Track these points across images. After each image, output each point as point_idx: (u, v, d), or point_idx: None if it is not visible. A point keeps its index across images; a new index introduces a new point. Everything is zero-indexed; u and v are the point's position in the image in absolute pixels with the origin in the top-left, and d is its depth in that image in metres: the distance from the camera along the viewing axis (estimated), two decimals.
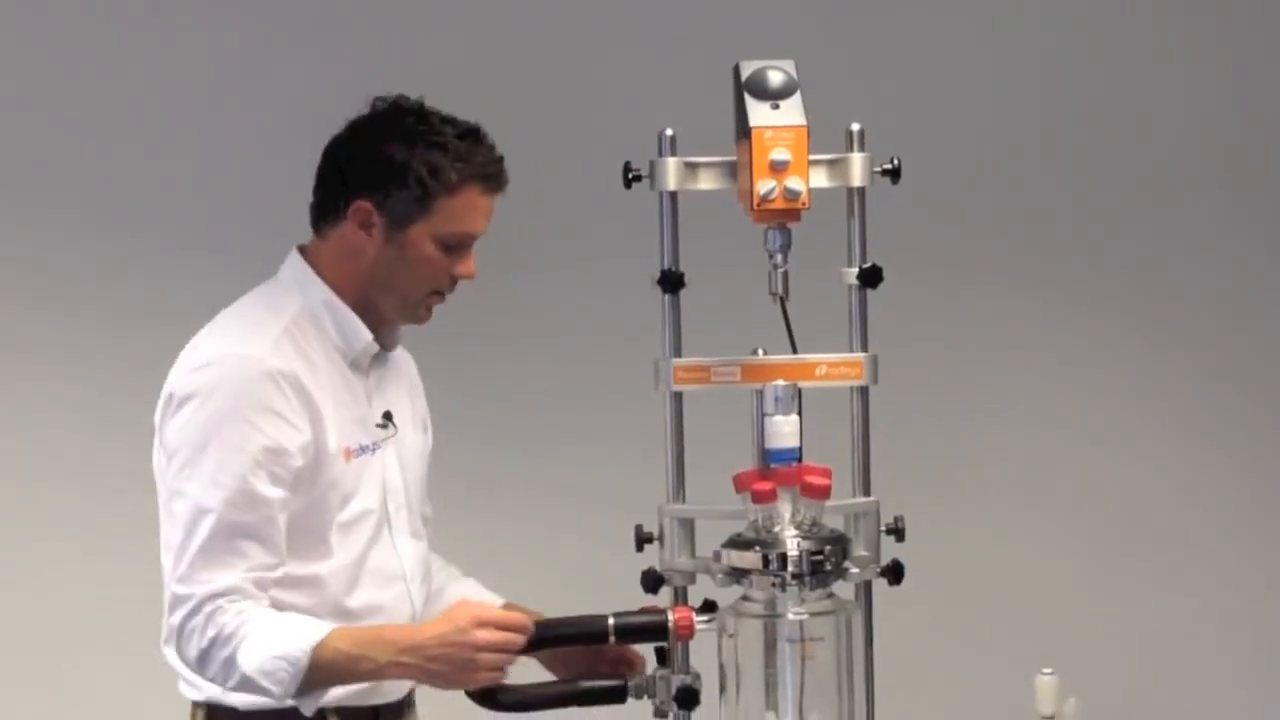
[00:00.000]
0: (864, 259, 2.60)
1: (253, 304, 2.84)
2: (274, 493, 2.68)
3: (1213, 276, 4.65)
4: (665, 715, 2.62)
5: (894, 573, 2.60)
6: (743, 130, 2.53)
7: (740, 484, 2.53)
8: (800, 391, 2.54)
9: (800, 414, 2.53)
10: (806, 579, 2.47)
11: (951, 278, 4.52)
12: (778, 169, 2.49)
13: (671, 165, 2.58)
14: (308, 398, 2.73)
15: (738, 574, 2.51)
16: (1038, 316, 4.59)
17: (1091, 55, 4.61)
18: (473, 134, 2.81)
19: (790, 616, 2.49)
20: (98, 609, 4.12)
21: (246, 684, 2.64)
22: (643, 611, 2.61)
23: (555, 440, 4.33)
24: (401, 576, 2.85)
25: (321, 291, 2.82)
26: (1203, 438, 4.66)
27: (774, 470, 2.51)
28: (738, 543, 2.51)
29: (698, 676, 2.59)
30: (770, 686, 2.50)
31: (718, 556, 2.53)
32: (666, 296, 2.59)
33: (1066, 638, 4.24)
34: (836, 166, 2.60)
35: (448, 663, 2.60)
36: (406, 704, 2.94)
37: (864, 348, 2.62)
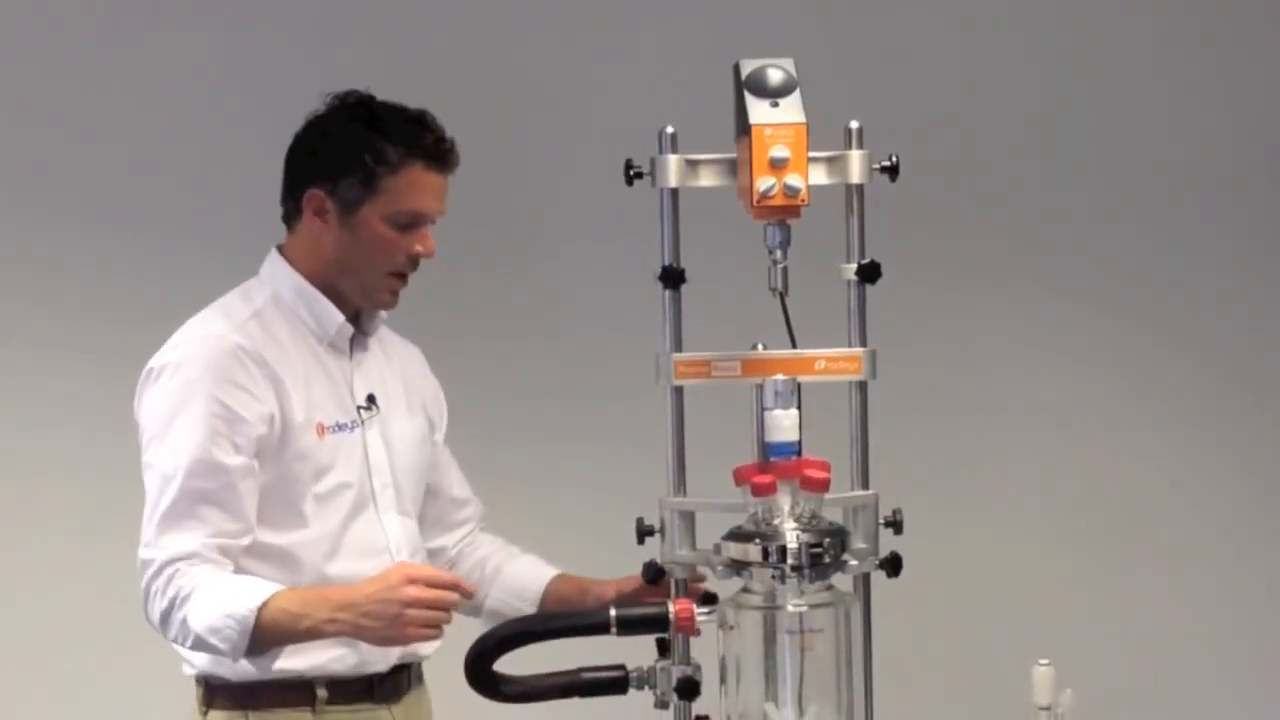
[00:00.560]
0: (862, 255, 2.61)
1: (230, 297, 3.01)
2: (235, 460, 2.82)
3: (1213, 276, 4.66)
4: (666, 706, 2.63)
5: (892, 565, 2.61)
6: (743, 128, 2.55)
7: (740, 477, 2.54)
8: (800, 386, 2.55)
9: (800, 408, 2.54)
10: (806, 571, 2.47)
11: (950, 275, 4.54)
12: (777, 166, 2.50)
13: (672, 162, 2.60)
14: (271, 372, 2.88)
15: (738, 566, 2.52)
16: (1036, 313, 4.61)
17: (1092, 54, 4.62)
18: (417, 118, 2.96)
19: (790, 608, 2.49)
20: (97, 608, 4.14)
21: (200, 644, 2.76)
22: (644, 603, 2.63)
23: (558, 434, 4.37)
24: (386, 550, 2.96)
25: (294, 280, 2.98)
26: (1196, 429, 4.68)
27: (774, 464, 2.52)
28: (738, 535, 2.52)
29: (698, 668, 2.61)
30: (770, 677, 2.51)
31: (718, 549, 2.54)
32: (667, 292, 2.60)
33: (1063, 630, 4.26)
34: (835, 163, 2.61)
35: (377, 618, 2.70)
36: (406, 680, 3.00)
37: (863, 343, 2.63)
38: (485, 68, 4.33)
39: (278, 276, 3.00)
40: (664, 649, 2.64)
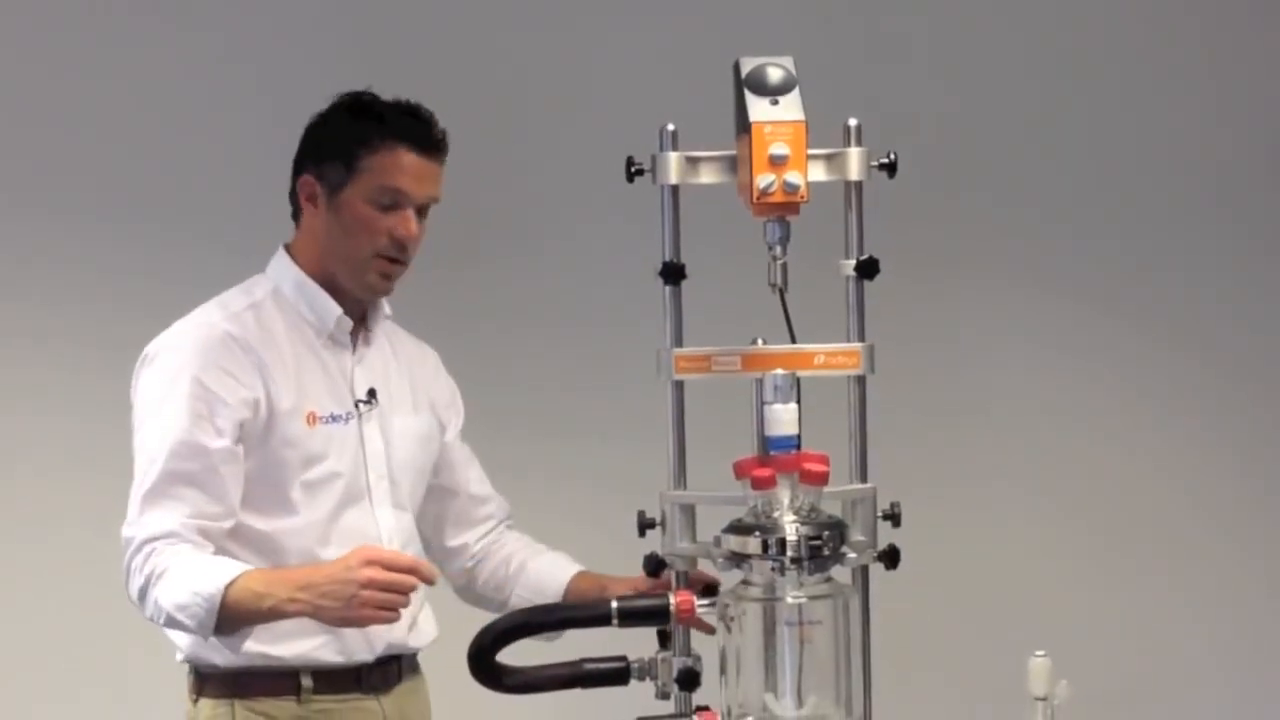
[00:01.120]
0: (861, 251, 2.63)
1: (232, 291, 3.06)
2: (217, 444, 2.86)
3: (1213, 276, 4.67)
4: (667, 697, 2.65)
5: (890, 557, 2.62)
6: (743, 125, 2.56)
7: (740, 471, 2.55)
8: (799, 381, 2.57)
9: (799, 402, 2.56)
10: (805, 563, 2.48)
11: (947, 271, 4.54)
12: (777, 163, 2.52)
13: (673, 159, 2.62)
14: (258, 358, 2.92)
15: (738, 559, 2.53)
16: (1034, 311, 4.61)
17: (1091, 53, 4.62)
18: (407, 108, 3.01)
19: (789, 600, 2.51)
20: (97, 608, 4.10)
21: (171, 621, 2.79)
22: (645, 595, 2.65)
23: (560, 429, 4.38)
24: (378, 540, 2.98)
25: (295, 275, 3.03)
26: (1196, 427, 4.68)
27: (773, 457, 2.54)
28: (738, 528, 2.54)
29: (699, 659, 2.63)
30: (770, 668, 2.52)
31: (718, 541, 2.56)
32: (668, 288, 2.62)
33: (1060, 622, 4.26)
34: (834, 161, 2.63)
35: (335, 598, 2.72)
36: (396, 671, 3.04)
37: (861, 338, 2.65)
38: (486, 67, 4.35)
39: (281, 272, 3.05)
40: (665, 640, 2.66)
